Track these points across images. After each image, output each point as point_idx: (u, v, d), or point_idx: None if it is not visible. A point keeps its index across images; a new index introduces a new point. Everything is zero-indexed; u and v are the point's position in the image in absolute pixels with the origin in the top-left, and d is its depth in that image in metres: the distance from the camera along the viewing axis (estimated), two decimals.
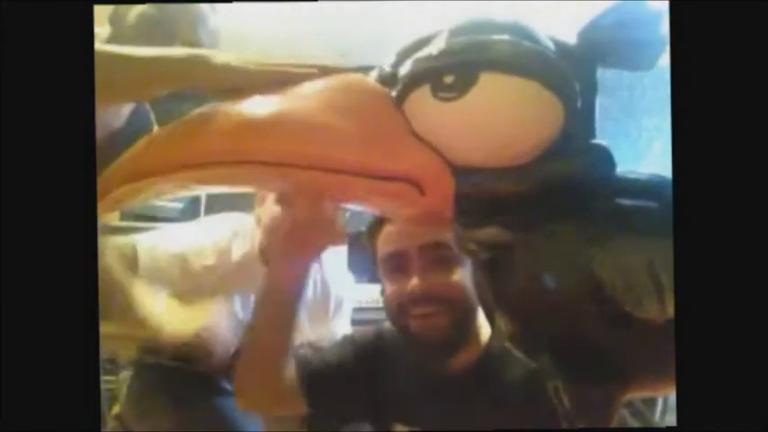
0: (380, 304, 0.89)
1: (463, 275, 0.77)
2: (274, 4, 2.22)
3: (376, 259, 0.83)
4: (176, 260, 1.03)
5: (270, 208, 1.06)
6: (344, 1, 2.14)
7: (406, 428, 0.81)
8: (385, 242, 0.80)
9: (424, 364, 0.81)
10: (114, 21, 0.97)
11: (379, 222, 0.81)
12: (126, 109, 1.05)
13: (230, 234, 1.12)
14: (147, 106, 1.14)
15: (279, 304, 0.80)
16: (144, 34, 0.93)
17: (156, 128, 1.15)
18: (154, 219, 2.15)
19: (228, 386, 1.07)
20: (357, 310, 1.51)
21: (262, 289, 0.81)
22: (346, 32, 2.40)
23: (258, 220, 1.11)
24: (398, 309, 0.78)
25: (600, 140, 0.56)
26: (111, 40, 0.95)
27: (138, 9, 0.95)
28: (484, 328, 0.81)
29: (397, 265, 0.78)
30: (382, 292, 0.84)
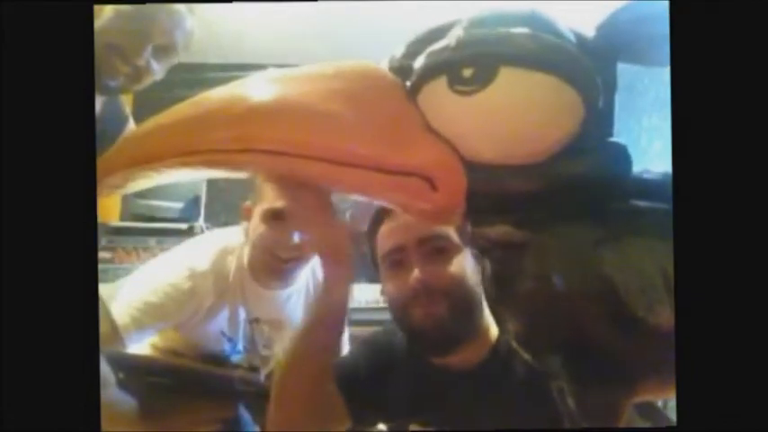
0: (380, 304, 0.88)
1: (462, 266, 0.77)
2: (274, 4, 2.21)
3: (375, 259, 0.83)
4: (154, 309, 1.02)
5: (256, 224, 1.06)
6: (344, 1, 2.14)
7: (421, 428, 0.81)
8: (384, 239, 0.80)
9: (430, 360, 0.81)
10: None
11: (377, 221, 0.81)
12: (98, 99, 1.04)
13: (216, 254, 1.11)
14: (122, 100, 1.13)
15: (330, 327, 0.75)
16: (118, 31, 0.93)
17: (130, 119, 1.15)
18: (153, 219, 2.15)
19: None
20: (356, 310, 1.51)
21: (313, 314, 0.76)
22: (346, 32, 2.40)
23: (246, 235, 1.11)
24: (401, 304, 0.78)
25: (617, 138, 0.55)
26: None
27: (114, 6, 0.94)
28: (493, 326, 0.81)
29: (397, 260, 0.79)
30: (383, 291, 0.83)
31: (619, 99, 0.55)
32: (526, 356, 0.61)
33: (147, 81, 0.99)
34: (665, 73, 0.52)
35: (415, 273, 0.76)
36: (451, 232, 0.77)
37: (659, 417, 0.67)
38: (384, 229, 0.81)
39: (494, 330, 0.81)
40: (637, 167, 0.56)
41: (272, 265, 1.08)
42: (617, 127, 0.56)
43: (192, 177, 0.64)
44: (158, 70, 0.98)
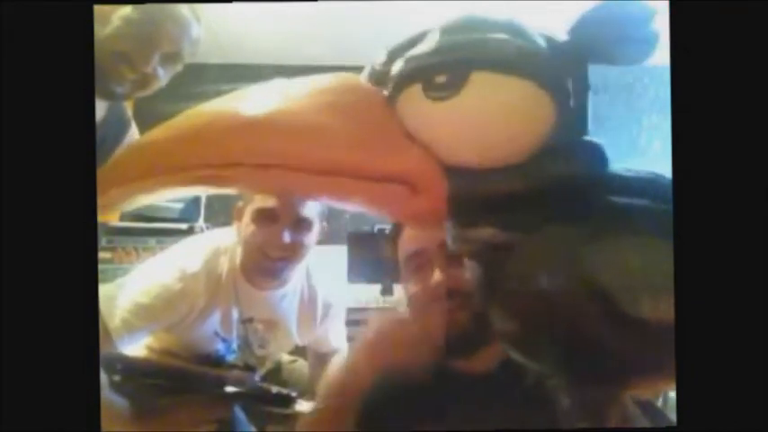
0: (379, 304, 0.88)
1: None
2: (274, 4, 2.21)
3: (397, 260, 0.84)
4: (145, 310, 1.01)
5: (246, 224, 1.06)
6: (344, 1, 2.14)
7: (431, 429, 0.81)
8: (407, 243, 0.82)
9: (447, 365, 0.81)
10: (97, 20, 0.96)
11: (400, 225, 0.83)
12: (101, 106, 1.05)
13: (208, 254, 1.10)
14: (124, 104, 1.13)
15: None
16: (126, 38, 0.93)
17: (132, 123, 1.15)
18: (153, 219, 2.14)
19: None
20: (355, 310, 1.51)
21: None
22: (346, 32, 2.40)
23: (238, 235, 1.11)
24: (423, 307, 0.80)
25: (593, 138, 0.56)
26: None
27: (122, 11, 0.94)
28: None
29: (419, 264, 0.80)
30: (382, 291, 0.84)
31: (619, 99, 0.55)
32: (516, 356, 0.61)
33: (153, 88, 0.99)
34: (664, 72, 0.52)
35: (437, 276, 0.77)
36: (448, 241, 0.78)
37: (659, 416, 0.67)
38: (407, 233, 0.82)
39: None
40: (630, 165, 0.57)
41: (263, 264, 1.07)
42: (617, 127, 0.56)
43: (186, 194, 0.65)
44: (164, 77, 0.99)
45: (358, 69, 0.61)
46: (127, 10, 0.93)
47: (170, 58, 0.97)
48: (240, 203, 1.10)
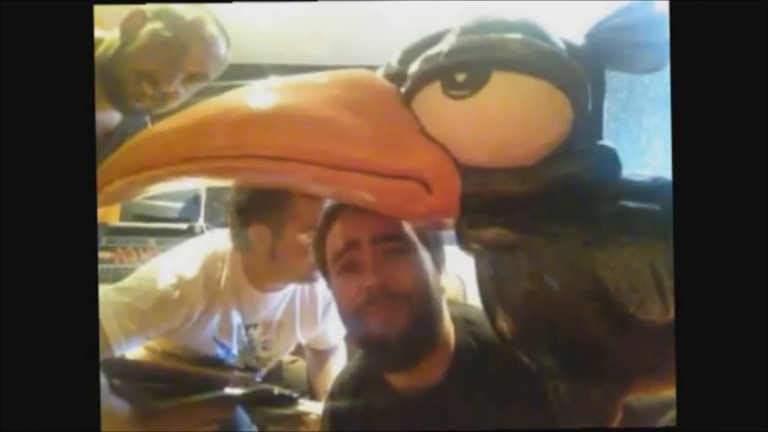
0: None
1: (422, 268, 0.71)
2: (274, 4, 2.21)
3: (325, 263, 0.75)
4: (142, 316, 0.99)
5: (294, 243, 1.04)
6: (344, 1, 2.14)
7: None
8: (336, 237, 0.73)
9: (395, 388, 0.74)
10: (126, 30, 0.95)
11: (328, 222, 0.74)
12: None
13: (205, 260, 1.09)
14: None
15: None
16: (152, 57, 0.92)
17: (149, 125, 1.15)
18: (153, 219, 2.14)
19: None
20: None
21: None
22: (346, 33, 2.40)
23: (244, 240, 1.09)
24: (355, 311, 0.69)
25: (606, 141, 0.56)
26: (117, 49, 0.94)
27: (152, 26, 0.93)
28: (452, 334, 0.74)
29: (350, 261, 0.70)
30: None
31: (619, 99, 0.56)
32: (522, 356, 0.61)
33: (172, 105, 0.98)
34: (665, 73, 0.52)
35: (372, 275, 0.68)
36: (409, 231, 0.71)
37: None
38: (335, 227, 0.73)
39: (452, 338, 0.74)
40: (633, 168, 0.57)
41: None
42: (617, 127, 0.56)
43: (191, 185, 0.64)
44: (184, 95, 0.98)
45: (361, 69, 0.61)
46: (158, 26, 0.93)
47: (194, 77, 0.97)
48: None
